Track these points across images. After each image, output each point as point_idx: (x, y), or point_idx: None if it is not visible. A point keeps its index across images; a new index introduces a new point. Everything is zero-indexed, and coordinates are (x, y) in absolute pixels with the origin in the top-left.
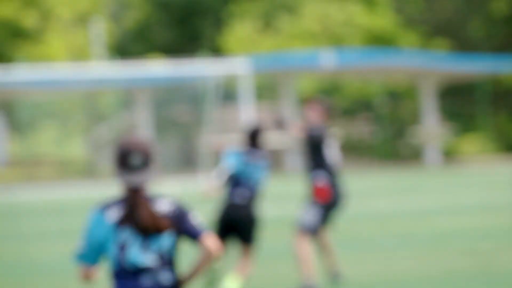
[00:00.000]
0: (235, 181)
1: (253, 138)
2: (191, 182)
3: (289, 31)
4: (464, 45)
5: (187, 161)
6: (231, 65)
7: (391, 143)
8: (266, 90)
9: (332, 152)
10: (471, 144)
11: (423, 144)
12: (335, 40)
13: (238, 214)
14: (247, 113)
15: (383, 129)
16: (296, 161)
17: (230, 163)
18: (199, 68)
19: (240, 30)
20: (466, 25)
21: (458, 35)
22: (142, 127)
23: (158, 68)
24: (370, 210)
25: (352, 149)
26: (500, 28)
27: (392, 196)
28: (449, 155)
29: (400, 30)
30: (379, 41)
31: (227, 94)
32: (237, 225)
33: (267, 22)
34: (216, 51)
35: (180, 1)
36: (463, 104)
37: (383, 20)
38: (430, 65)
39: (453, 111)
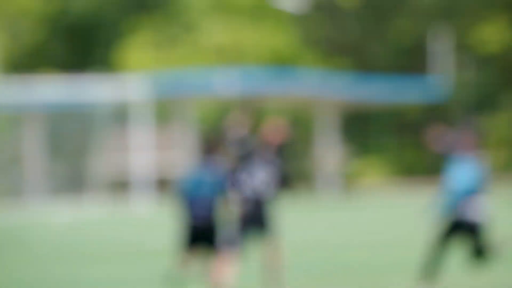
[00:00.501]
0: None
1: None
2: (82, 207)
3: (188, 49)
4: (366, 66)
5: (78, 186)
6: (127, 89)
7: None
8: (164, 113)
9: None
10: (371, 169)
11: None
12: (236, 58)
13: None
14: (143, 135)
15: None
16: None
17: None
18: (94, 91)
19: (137, 46)
20: (369, 45)
21: (361, 56)
22: (32, 152)
23: (50, 90)
24: None
25: None
26: (404, 48)
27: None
28: (348, 180)
29: (301, 49)
30: (281, 60)
31: (122, 116)
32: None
33: (165, 39)
34: (111, 68)
35: (76, 15)
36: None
37: (285, 40)
38: (330, 91)
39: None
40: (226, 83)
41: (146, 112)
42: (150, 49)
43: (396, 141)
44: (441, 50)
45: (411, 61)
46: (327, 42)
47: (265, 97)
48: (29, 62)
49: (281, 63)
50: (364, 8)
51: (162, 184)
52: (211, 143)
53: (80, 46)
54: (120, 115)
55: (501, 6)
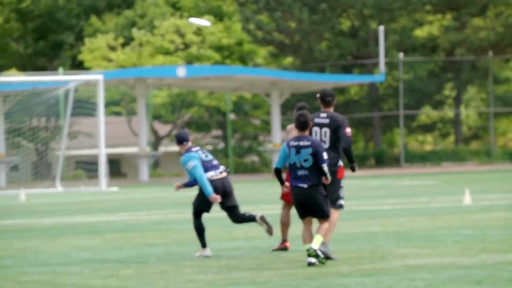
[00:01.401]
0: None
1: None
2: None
3: (147, 46)
4: (310, 61)
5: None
6: (87, 77)
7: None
8: (123, 102)
9: None
10: None
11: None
12: (191, 56)
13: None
14: (101, 123)
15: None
16: None
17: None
18: (56, 79)
19: (100, 44)
20: (313, 42)
21: (305, 53)
22: None
23: (14, 78)
24: None
25: None
26: (345, 44)
27: None
28: None
29: (252, 47)
30: (233, 57)
31: (84, 104)
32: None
33: (126, 37)
34: (77, 64)
35: (40, 13)
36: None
37: (235, 38)
38: (279, 77)
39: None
40: (180, 76)
41: (102, 99)
42: (113, 48)
43: None
44: (380, 47)
45: (354, 58)
46: (275, 43)
47: (215, 84)
48: None
49: (233, 59)
50: (309, 9)
51: (118, 165)
52: (306, 121)
53: (45, 44)
54: (84, 103)
55: (434, 11)
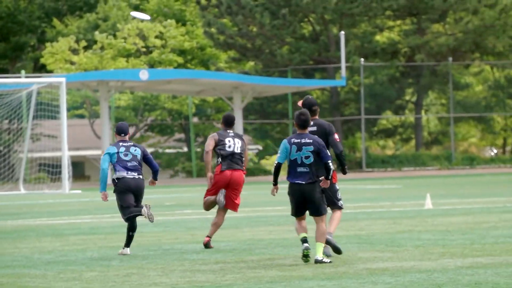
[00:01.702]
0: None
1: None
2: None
3: (109, 50)
4: (272, 65)
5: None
6: (50, 79)
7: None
8: (86, 105)
9: None
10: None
11: None
12: (153, 60)
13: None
14: (64, 125)
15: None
16: None
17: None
18: (19, 81)
19: (62, 47)
20: (274, 47)
21: (266, 57)
22: None
23: None
24: None
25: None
26: (307, 48)
27: None
28: None
29: (215, 51)
30: (195, 61)
31: (46, 107)
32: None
33: (89, 40)
34: (39, 67)
35: (1, 15)
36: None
37: (198, 42)
38: (241, 80)
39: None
40: (142, 79)
41: (64, 100)
42: (75, 51)
43: None
44: (340, 53)
45: (315, 63)
46: (237, 47)
47: (176, 88)
48: None
49: (196, 65)
50: (270, 13)
51: (81, 168)
52: (307, 119)
53: (6, 46)
54: (47, 104)
55: (393, 16)
